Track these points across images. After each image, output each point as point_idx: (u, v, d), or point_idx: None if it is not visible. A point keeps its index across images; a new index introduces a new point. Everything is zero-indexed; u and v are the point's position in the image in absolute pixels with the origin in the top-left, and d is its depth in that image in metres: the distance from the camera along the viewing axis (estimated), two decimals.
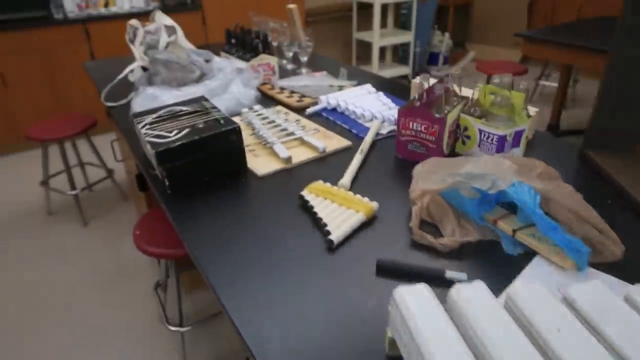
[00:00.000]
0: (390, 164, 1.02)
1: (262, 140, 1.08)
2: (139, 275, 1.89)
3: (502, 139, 0.94)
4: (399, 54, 4.06)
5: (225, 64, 1.42)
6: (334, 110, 1.29)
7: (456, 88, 1.06)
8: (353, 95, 1.33)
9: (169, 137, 0.90)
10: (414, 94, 1.28)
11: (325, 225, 0.76)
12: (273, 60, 1.52)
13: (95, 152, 2.25)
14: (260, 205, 0.86)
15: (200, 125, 0.95)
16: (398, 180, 0.94)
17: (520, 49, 2.36)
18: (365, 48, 3.92)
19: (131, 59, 1.48)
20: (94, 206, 2.36)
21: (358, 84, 1.47)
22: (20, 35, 2.74)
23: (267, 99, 1.41)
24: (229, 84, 1.34)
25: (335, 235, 0.74)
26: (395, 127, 1.15)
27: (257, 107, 1.28)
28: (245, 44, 1.48)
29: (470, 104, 1.02)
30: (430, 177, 0.80)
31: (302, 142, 1.09)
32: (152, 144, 0.88)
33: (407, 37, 3.76)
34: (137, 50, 1.46)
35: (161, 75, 1.36)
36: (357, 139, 1.12)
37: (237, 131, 0.94)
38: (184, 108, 1.05)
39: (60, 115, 2.25)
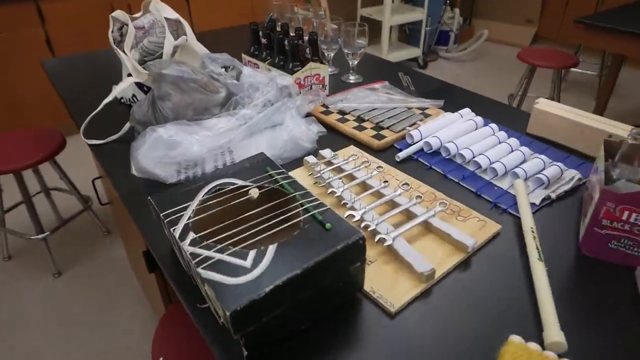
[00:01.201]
0: (570, 266, 0.64)
1: (359, 221, 0.67)
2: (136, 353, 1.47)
3: None
4: (406, 32, 3.61)
5: (260, 78, 0.98)
6: (433, 153, 0.89)
7: None
8: (454, 127, 0.93)
9: (238, 262, 0.49)
10: (536, 119, 0.89)
11: None
12: (323, 71, 1.08)
13: (64, 176, 1.75)
14: None
15: (282, 226, 0.53)
16: (607, 299, 0.57)
17: (580, 37, 1.98)
18: (371, 26, 3.46)
19: (107, 54, 1.01)
20: (68, 247, 1.87)
21: (437, 101, 1.07)
22: None
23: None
24: (277, 114, 0.90)
25: None
26: (548, 193, 0.77)
27: (325, 152, 0.86)
28: (283, 46, 1.04)
29: None
30: None
31: (425, 226, 0.69)
32: (217, 288, 0.46)
33: (419, 14, 3.31)
34: (128, 58, 0.99)
35: (171, 100, 0.91)
36: (490, 211, 0.73)
37: (361, 246, 0.53)
38: (237, 182, 0.62)
39: (13, 134, 1.70)
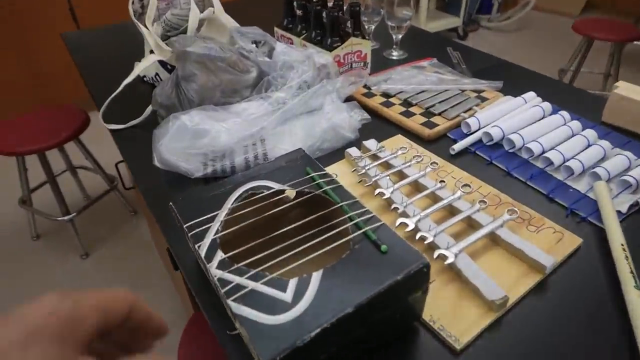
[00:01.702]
0: None
1: (413, 231, 0.57)
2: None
3: None
4: (445, 0, 3.38)
5: (295, 56, 0.87)
6: (494, 146, 0.77)
7: None
8: (517, 115, 0.80)
9: (276, 294, 0.40)
10: (614, 106, 0.75)
11: None
12: (366, 47, 0.96)
13: (89, 155, 1.70)
14: None
15: (328, 247, 0.44)
16: None
17: None
18: None
19: (133, 27, 0.92)
20: (95, 227, 1.84)
21: (496, 84, 0.94)
22: None
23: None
24: (315, 98, 0.80)
25: None
26: (637, 199, 0.64)
27: (370, 143, 0.76)
28: (320, 19, 0.91)
29: None
30: None
31: (491, 237, 0.58)
32: (251, 328, 0.38)
33: None
34: (150, 33, 0.89)
35: (197, 82, 0.81)
36: (566, 219, 0.62)
37: (425, 274, 0.44)
38: (273, 185, 0.53)
39: (36, 111, 1.65)
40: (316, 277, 0.41)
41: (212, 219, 0.49)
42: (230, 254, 0.44)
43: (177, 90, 0.82)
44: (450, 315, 0.49)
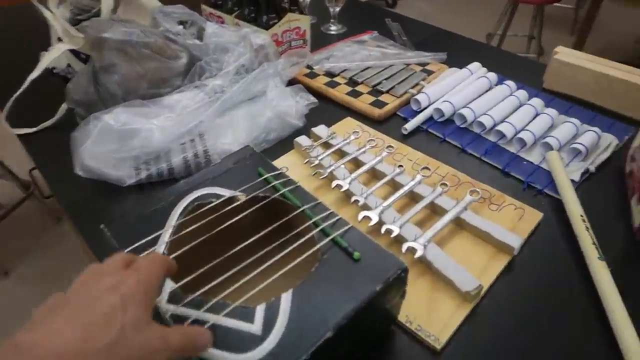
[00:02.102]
0: (628, 257, 0.54)
1: (377, 225, 0.54)
2: None
3: None
4: None
5: (229, 37, 0.79)
6: (446, 122, 0.75)
7: None
8: (465, 87, 0.78)
9: (243, 327, 0.35)
10: (555, 72, 0.76)
11: None
12: (304, 22, 0.89)
13: None
14: None
15: (295, 262, 0.39)
16: None
17: None
18: None
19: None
20: (13, 240, 1.62)
21: (436, 53, 0.91)
22: None
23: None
24: (255, 83, 0.73)
25: None
26: (587, 166, 0.65)
27: (320, 129, 0.71)
28: None
29: None
30: None
31: (456, 222, 0.56)
32: None
33: None
34: (55, 17, 0.77)
35: (118, 72, 0.71)
36: (523, 192, 0.62)
37: (403, 279, 0.40)
38: (222, 192, 0.47)
39: None
40: (286, 299, 0.37)
41: (154, 241, 0.42)
42: (182, 282, 0.38)
43: (95, 83, 0.72)
44: (426, 312, 0.47)
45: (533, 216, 0.58)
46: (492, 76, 0.82)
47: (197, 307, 0.36)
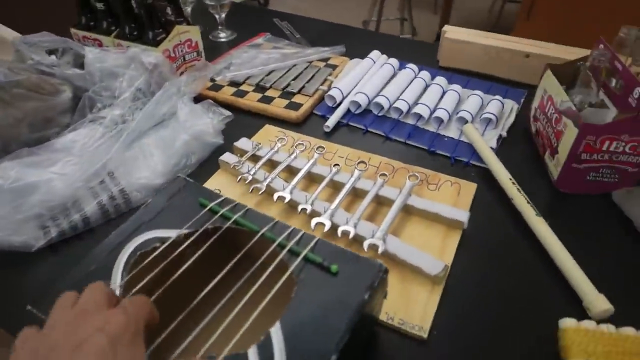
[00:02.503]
0: (553, 208, 0.59)
1: (332, 229, 0.52)
2: None
3: None
4: None
5: (114, 60, 0.71)
6: (363, 113, 0.76)
7: None
8: (373, 76, 0.80)
9: None
10: (447, 50, 0.82)
11: None
12: (194, 34, 0.84)
13: None
14: None
15: (273, 291, 0.36)
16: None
17: None
18: None
19: None
20: None
21: (344, 50, 0.93)
22: None
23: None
24: (160, 107, 0.66)
25: None
26: (500, 132, 0.70)
27: (242, 143, 0.67)
28: (130, 9, 0.75)
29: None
30: None
31: (405, 209, 0.57)
32: None
33: None
34: None
35: None
36: (452, 168, 0.65)
37: (385, 280, 0.39)
38: (167, 233, 0.41)
39: None
40: (276, 334, 0.33)
41: None
42: (152, 347, 0.33)
43: None
44: (403, 305, 0.47)
45: (469, 188, 0.61)
46: (394, 62, 0.84)
47: None
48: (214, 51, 0.95)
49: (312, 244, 0.40)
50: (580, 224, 0.57)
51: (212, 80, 0.83)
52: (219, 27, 1.02)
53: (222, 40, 1.02)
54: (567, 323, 0.44)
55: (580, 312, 0.46)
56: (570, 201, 0.60)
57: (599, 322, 0.44)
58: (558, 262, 0.50)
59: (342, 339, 0.33)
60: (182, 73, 0.82)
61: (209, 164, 0.66)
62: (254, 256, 0.40)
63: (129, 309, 0.30)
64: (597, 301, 0.45)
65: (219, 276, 0.38)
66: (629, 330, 0.43)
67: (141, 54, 0.71)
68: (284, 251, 0.39)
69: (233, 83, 0.82)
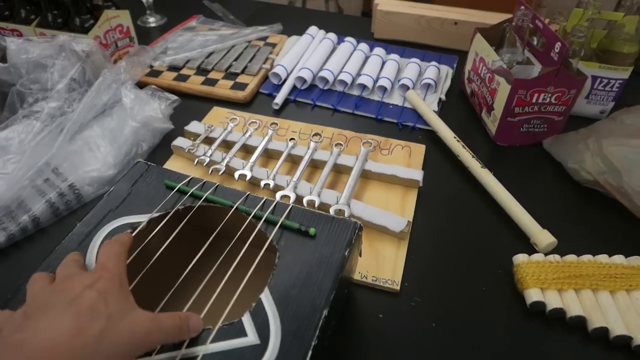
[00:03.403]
0: (494, 160, 0.65)
1: (297, 201, 0.54)
2: None
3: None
4: None
5: (41, 50, 0.66)
6: (309, 88, 0.77)
7: None
8: (313, 52, 0.81)
9: (237, 343, 0.32)
10: (381, 22, 0.85)
11: None
12: (125, 18, 0.80)
13: None
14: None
15: (255, 262, 0.37)
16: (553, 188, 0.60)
17: None
18: None
19: None
20: None
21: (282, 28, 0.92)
22: None
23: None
24: (100, 96, 0.63)
25: None
26: (440, 97, 0.75)
27: (194, 126, 0.65)
28: None
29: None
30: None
31: (363, 174, 0.59)
32: None
33: None
34: None
35: None
36: (400, 132, 0.69)
37: (360, 235, 0.41)
38: (135, 219, 0.40)
39: None
40: (266, 298, 0.34)
41: None
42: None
43: None
44: (374, 263, 0.49)
45: (419, 149, 0.64)
46: (333, 36, 0.86)
47: (178, 347, 0.31)
48: (144, 37, 0.91)
49: (287, 211, 0.41)
50: (519, 171, 0.63)
51: (150, 66, 0.80)
52: (147, 12, 0.98)
53: (152, 25, 0.98)
54: (520, 258, 0.49)
55: (530, 248, 0.52)
56: (507, 153, 0.66)
57: (546, 254, 0.49)
58: (505, 207, 0.55)
59: (329, 294, 0.35)
60: (115, 61, 0.78)
61: (160, 151, 0.64)
62: (230, 231, 0.40)
63: (109, 265, 0.31)
64: (542, 236, 0.51)
65: (201, 251, 0.38)
66: (571, 257, 0.48)
67: (72, 42, 0.67)
68: (261, 221, 0.40)
69: (172, 68, 0.80)
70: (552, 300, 0.45)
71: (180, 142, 0.62)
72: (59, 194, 0.54)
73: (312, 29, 0.88)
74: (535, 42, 0.67)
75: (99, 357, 0.26)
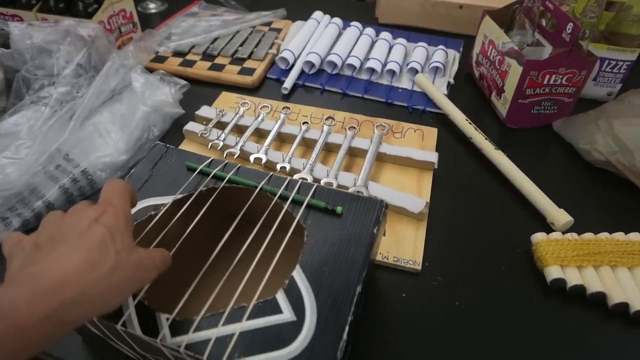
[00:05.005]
0: (505, 143, 0.65)
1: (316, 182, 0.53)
2: None
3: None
4: None
5: (46, 36, 0.65)
6: (317, 73, 0.76)
7: None
8: (320, 37, 0.80)
9: (274, 320, 0.32)
10: (385, 7, 0.85)
11: None
12: (128, 4, 0.78)
13: None
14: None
15: (284, 243, 0.37)
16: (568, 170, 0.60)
17: None
18: None
19: None
20: None
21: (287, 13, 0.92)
22: None
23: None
24: (108, 82, 0.62)
25: None
26: (449, 80, 0.75)
27: (204, 111, 0.65)
28: None
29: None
30: None
31: (378, 157, 0.59)
32: None
33: None
34: None
35: None
36: (410, 116, 0.69)
37: (385, 213, 0.41)
38: (158, 201, 0.40)
39: None
40: (299, 276, 0.34)
41: None
42: (178, 308, 0.32)
43: None
44: (394, 244, 0.49)
45: (431, 132, 0.64)
46: (338, 21, 0.85)
47: (214, 326, 0.31)
48: (145, 23, 0.90)
49: (312, 190, 0.40)
50: (530, 153, 0.63)
51: (155, 52, 0.79)
52: None
53: (153, 11, 0.96)
54: (538, 237, 0.49)
55: (547, 227, 0.52)
56: (517, 135, 0.66)
57: (563, 233, 0.49)
58: (520, 188, 0.56)
59: (362, 270, 0.35)
60: (120, 47, 0.77)
61: (171, 135, 0.63)
62: (255, 212, 0.40)
63: (114, 200, 0.31)
64: (559, 215, 0.51)
65: (229, 232, 0.37)
66: (589, 235, 0.49)
67: (77, 27, 0.66)
68: (288, 202, 0.40)
69: (177, 53, 0.79)
70: (572, 277, 0.45)
71: (192, 126, 0.61)
72: (72, 180, 0.54)
73: (317, 14, 0.87)
74: (544, 24, 0.67)
75: (108, 293, 0.27)
